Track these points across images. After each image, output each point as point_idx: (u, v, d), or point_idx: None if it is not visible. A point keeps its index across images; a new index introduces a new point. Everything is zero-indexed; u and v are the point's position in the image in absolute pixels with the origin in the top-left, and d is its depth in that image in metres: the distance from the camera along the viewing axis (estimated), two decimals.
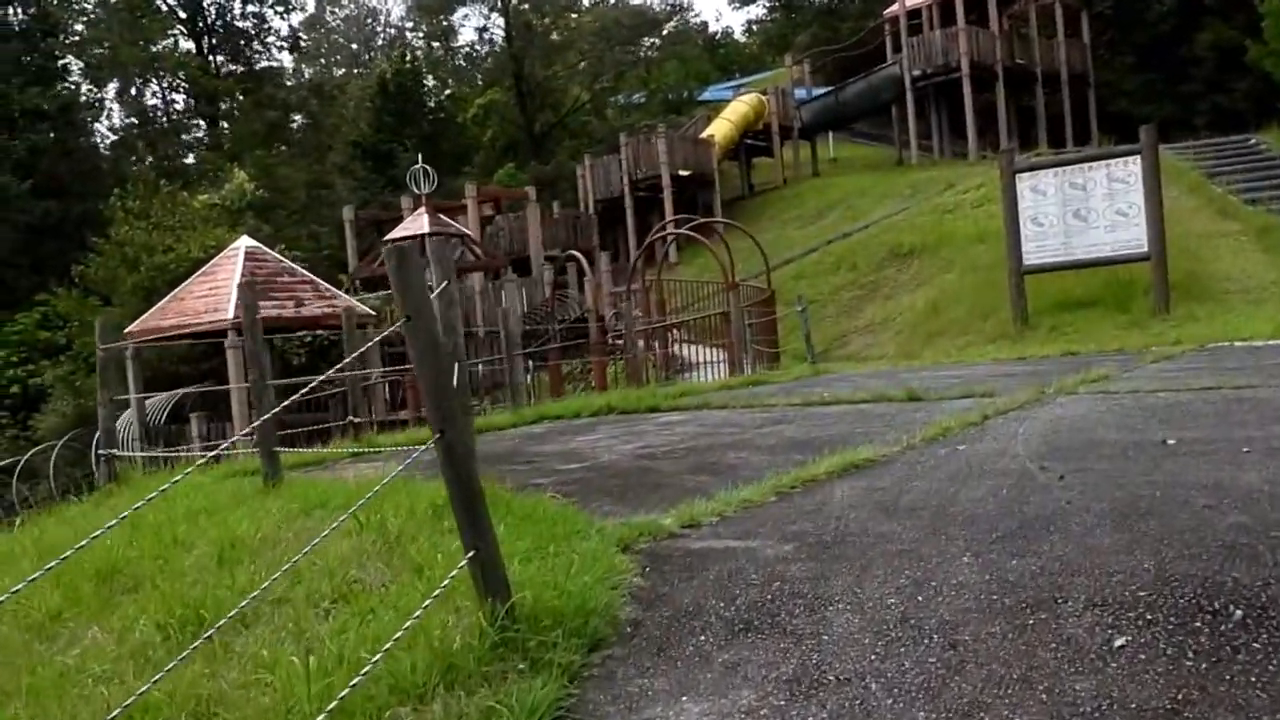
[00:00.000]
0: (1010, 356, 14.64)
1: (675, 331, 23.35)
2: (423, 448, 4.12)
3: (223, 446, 4.76)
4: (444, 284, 5.07)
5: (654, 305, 22.83)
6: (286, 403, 5.51)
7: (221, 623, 3.39)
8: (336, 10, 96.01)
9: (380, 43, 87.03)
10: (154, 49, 41.88)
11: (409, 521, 5.12)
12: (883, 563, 4.03)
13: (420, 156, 46.00)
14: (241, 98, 47.52)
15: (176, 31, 47.12)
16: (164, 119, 47.99)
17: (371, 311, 19.94)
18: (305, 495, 6.29)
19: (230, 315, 17.05)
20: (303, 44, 60.15)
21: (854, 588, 3.82)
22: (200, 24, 46.99)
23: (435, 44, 66.36)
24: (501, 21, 49.40)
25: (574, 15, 50.66)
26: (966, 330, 17.63)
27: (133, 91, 46.82)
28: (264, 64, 49.05)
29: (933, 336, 18.59)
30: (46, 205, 36.84)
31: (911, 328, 20.64)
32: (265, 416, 6.73)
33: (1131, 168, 15.00)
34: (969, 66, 36.00)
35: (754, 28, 76.24)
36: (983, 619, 3.43)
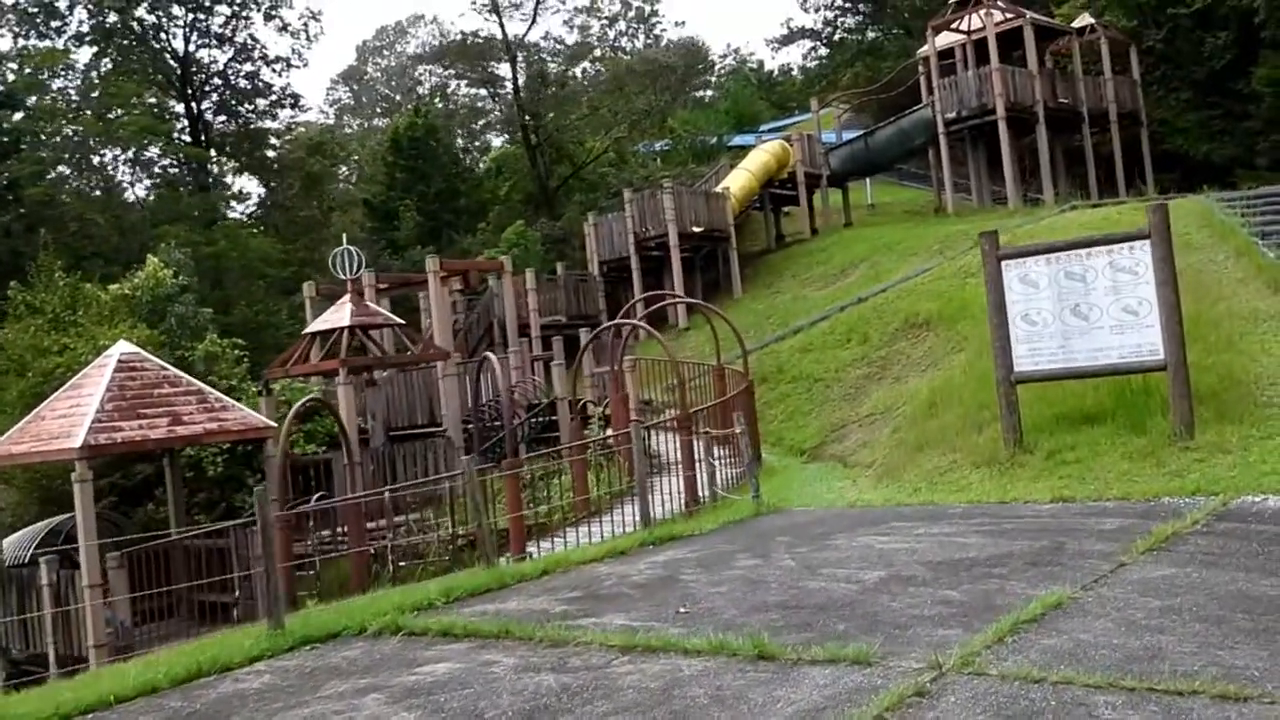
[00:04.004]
0: (990, 499, 11.69)
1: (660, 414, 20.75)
2: None
3: None
4: None
5: (618, 399, 20.02)
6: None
7: None
8: (379, 60, 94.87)
9: (424, 91, 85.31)
10: (123, 116, 39.51)
11: None
12: None
13: (432, 213, 44.02)
14: (230, 161, 45.11)
15: (168, 98, 44.86)
16: (143, 191, 45.70)
17: (272, 424, 17.25)
18: None
19: (78, 443, 14.36)
20: (305, 103, 57.54)
21: None
22: (190, 89, 44.65)
23: (479, 90, 63.68)
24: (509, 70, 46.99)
25: (583, 65, 48.09)
26: (955, 446, 14.58)
27: (101, 162, 44.45)
28: (260, 124, 46.57)
29: (922, 447, 15.56)
30: None
31: (909, 424, 17.68)
32: None
33: (1139, 255, 11.87)
34: (1005, 108, 33.06)
35: (794, 69, 73.97)
36: None
